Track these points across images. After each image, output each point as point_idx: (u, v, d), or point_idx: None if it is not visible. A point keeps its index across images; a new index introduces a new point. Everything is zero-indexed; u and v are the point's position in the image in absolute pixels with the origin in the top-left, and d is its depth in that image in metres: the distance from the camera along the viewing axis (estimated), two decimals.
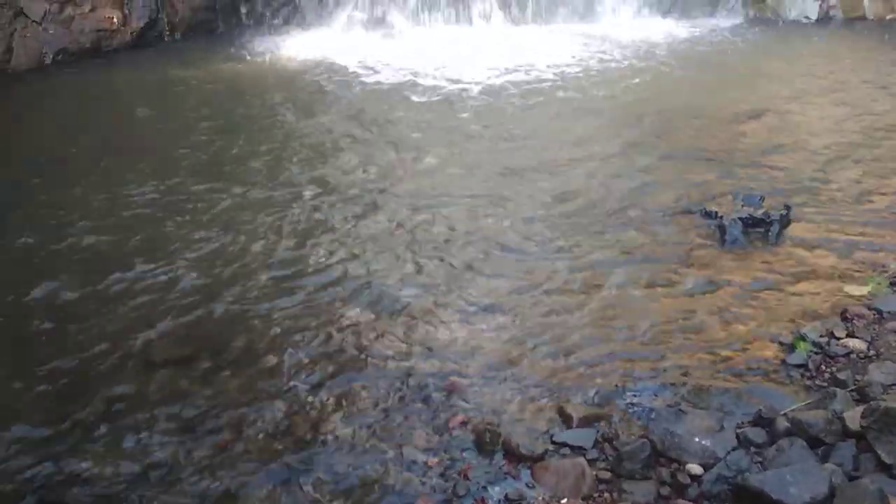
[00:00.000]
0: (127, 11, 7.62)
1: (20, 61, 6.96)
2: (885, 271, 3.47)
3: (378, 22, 8.10)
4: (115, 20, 7.49)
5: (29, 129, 5.64)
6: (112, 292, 3.35)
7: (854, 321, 3.06)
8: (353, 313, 3.19)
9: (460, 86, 6.35)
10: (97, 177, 4.62)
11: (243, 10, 8.31)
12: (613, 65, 7.12)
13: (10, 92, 6.49)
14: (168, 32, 7.98)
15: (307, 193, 4.36)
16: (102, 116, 5.93)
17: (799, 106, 5.94)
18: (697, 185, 4.46)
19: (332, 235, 3.87)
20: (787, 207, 3.96)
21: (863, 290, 3.31)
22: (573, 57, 7.26)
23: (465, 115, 5.74)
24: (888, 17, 9.06)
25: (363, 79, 6.61)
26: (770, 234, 3.81)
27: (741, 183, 4.48)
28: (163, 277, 3.47)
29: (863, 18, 9.12)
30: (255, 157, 4.88)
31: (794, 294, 3.35)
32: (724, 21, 8.95)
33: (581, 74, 6.79)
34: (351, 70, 6.84)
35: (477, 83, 6.41)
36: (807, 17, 9.09)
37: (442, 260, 3.63)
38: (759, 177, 4.59)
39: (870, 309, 3.14)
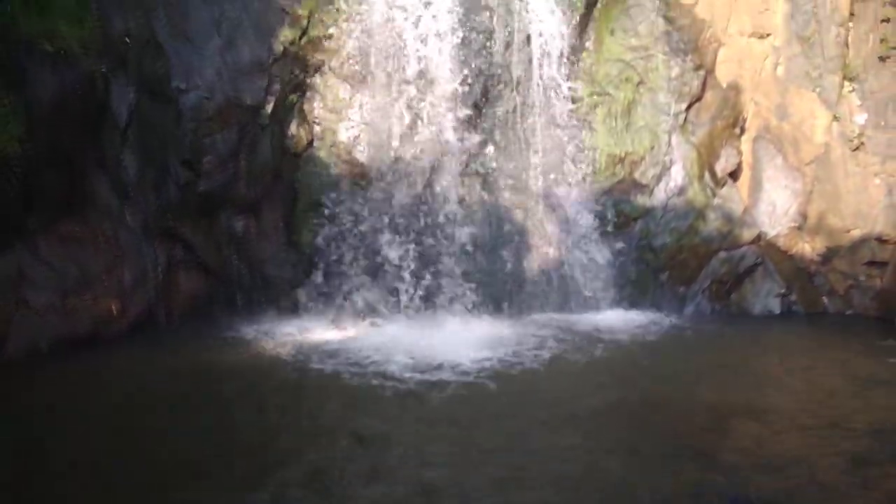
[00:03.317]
0: (126, 301, 7.98)
1: (15, 348, 7.08)
2: None
3: (365, 314, 8.51)
4: (114, 310, 7.82)
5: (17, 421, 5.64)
6: None
7: None
8: None
9: (437, 384, 6.46)
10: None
11: (239, 300, 8.74)
12: (587, 358, 7.38)
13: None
14: (165, 319, 8.30)
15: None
16: (90, 412, 5.96)
17: (773, 402, 6.12)
18: (684, 485, 4.47)
19: None
20: None
21: None
22: (544, 349, 7.52)
23: (439, 415, 5.82)
24: (847, 313, 9.66)
25: (349, 370, 6.79)
26: None
27: (729, 481, 4.50)
28: None
29: (823, 313, 9.72)
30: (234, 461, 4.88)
31: None
32: (693, 314, 9.47)
33: (555, 367, 7.01)
34: (338, 361, 7.05)
35: (454, 377, 6.60)
36: (770, 312, 9.67)
37: None
38: (748, 475, 4.62)
39: None
